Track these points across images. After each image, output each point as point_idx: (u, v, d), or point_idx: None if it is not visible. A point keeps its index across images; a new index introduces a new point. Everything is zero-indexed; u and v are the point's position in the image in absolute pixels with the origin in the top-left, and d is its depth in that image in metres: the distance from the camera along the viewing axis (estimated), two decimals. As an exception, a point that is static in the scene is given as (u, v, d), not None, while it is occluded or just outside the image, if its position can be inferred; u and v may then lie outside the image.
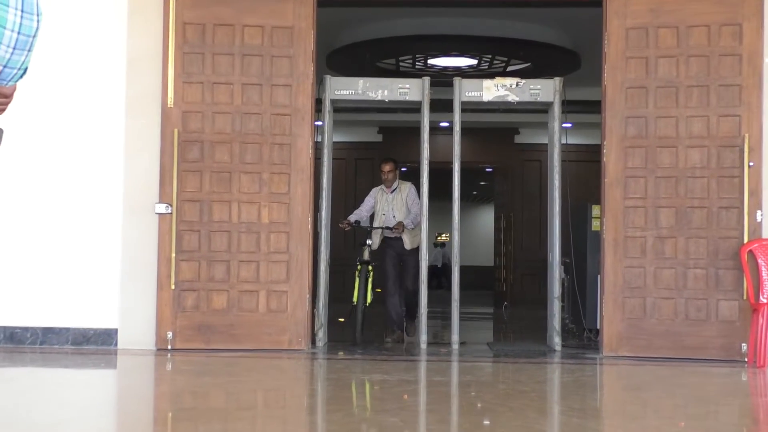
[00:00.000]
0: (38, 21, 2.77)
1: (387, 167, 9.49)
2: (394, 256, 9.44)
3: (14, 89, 2.87)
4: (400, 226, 9.28)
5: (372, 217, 9.66)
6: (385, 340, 9.24)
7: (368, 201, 9.73)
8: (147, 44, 8.18)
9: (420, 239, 9.16)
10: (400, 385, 6.39)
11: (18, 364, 7.42)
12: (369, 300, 9.28)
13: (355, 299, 9.14)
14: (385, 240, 9.46)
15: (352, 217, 9.59)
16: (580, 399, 6.25)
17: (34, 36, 2.77)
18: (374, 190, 9.79)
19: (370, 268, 9.37)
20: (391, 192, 9.51)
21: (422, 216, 8.97)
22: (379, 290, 9.59)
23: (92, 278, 8.17)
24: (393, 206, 9.47)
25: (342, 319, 9.78)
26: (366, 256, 9.36)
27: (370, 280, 9.35)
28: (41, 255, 8.18)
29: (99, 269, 8.17)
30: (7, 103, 2.88)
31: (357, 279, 9.27)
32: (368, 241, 9.37)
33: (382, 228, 9.44)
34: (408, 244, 9.36)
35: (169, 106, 8.13)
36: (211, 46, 8.20)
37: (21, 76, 2.85)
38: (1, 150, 3.06)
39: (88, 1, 8.28)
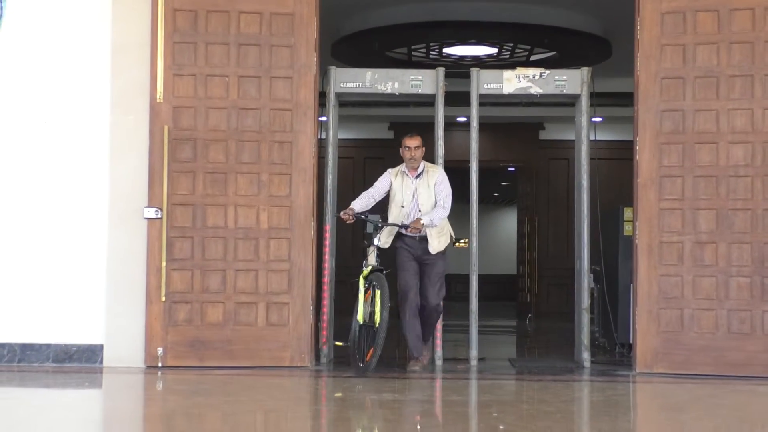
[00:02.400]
0: (1, 8, 2.80)
1: (413, 142, 8.28)
2: (414, 261, 8.24)
3: None
4: (418, 224, 8.05)
5: (378, 207, 8.49)
6: (410, 369, 8.07)
7: (381, 184, 8.42)
8: (134, 31, 8.21)
9: (449, 239, 8.39)
10: (413, 406, 6.40)
11: (-6, 384, 7.46)
12: (378, 319, 7.79)
13: (360, 318, 7.88)
14: (400, 237, 8.27)
15: (357, 204, 8.25)
16: (610, 420, 6.25)
17: None
18: (390, 171, 8.49)
19: (379, 275, 8.02)
20: (416, 177, 8.32)
21: (449, 210, 8.24)
22: (390, 305, 8.13)
23: (75, 290, 8.19)
24: (417, 196, 8.26)
25: (340, 343, 8.67)
26: (373, 260, 8.10)
27: (379, 292, 7.87)
28: (19, 264, 8.21)
29: (83, 280, 8.19)
30: None
31: (361, 291, 7.98)
32: (375, 241, 8.12)
33: (397, 225, 8.21)
34: (434, 247, 8.22)
35: (158, 100, 8.15)
36: (204, 34, 8.23)
37: None
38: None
39: (70, -14, 8.32)
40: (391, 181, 8.35)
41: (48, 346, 8.16)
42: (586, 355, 8.63)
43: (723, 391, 7.36)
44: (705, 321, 8.02)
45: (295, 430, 5.75)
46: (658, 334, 8.06)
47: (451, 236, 8.41)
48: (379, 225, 8.14)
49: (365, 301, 7.92)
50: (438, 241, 8.23)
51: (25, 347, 8.15)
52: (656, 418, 6.62)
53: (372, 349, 7.69)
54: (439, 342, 8.56)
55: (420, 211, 8.18)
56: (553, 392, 7.38)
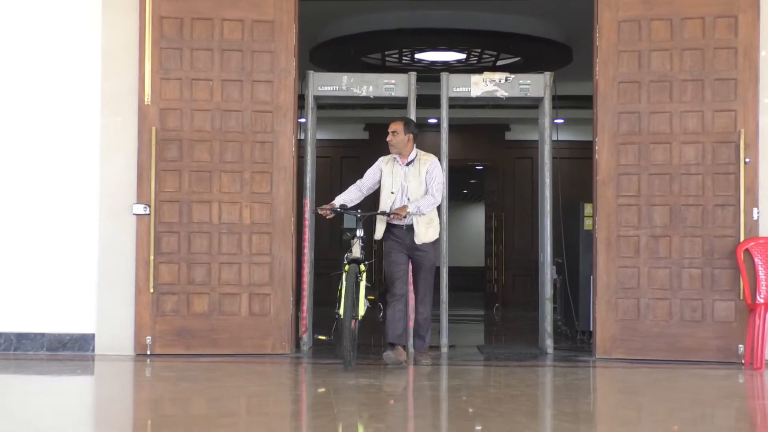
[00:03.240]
0: None
1: (391, 126, 7.66)
2: (402, 252, 7.61)
3: None
4: (403, 210, 7.43)
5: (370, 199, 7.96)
6: (385, 357, 7.52)
7: (372, 173, 7.77)
8: (123, 37, 8.18)
9: (438, 230, 7.76)
10: (387, 390, 6.41)
11: (-9, 372, 7.42)
12: (361, 312, 7.31)
13: (341, 311, 7.23)
14: (389, 229, 7.62)
15: (342, 198, 7.70)
16: (572, 403, 6.29)
17: None
18: (382, 159, 7.83)
19: (362, 268, 7.38)
20: (407, 164, 7.67)
21: (439, 199, 7.68)
22: (372, 297, 7.79)
23: (68, 282, 8.16)
24: (407, 184, 7.61)
25: (323, 337, 8.10)
26: (356, 252, 7.40)
27: (362, 284, 7.34)
28: (14, 258, 8.17)
29: (75, 272, 8.16)
30: None
31: (343, 283, 7.31)
32: (358, 232, 7.47)
33: (377, 213, 7.60)
34: (421, 237, 7.53)
35: (146, 103, 8.13)
36: (189, 40, 8.21)
37: None
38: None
39: (62, -5, 8.29)
40: (381, 169, 7.72)
41: (42, 335, 8.13)
42: (549, 342, 8.67)
43: (677, 375, 7.41)
44: (660, 309, 8.07)
45: (276, 414, 5.76)
46: (616, 322, 8.11)
47: (438, 231, 7.79)
48: (358, 215, 7.54)
49: (347, 294, 7.23)
50: (426, 231, 7.55)
51: (21, 336, 8.12)
52: (615, 401, 6.67)
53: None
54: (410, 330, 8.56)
55: (408, 199, 7.55)
56: (518, 377, 7.42)
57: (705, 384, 7.08)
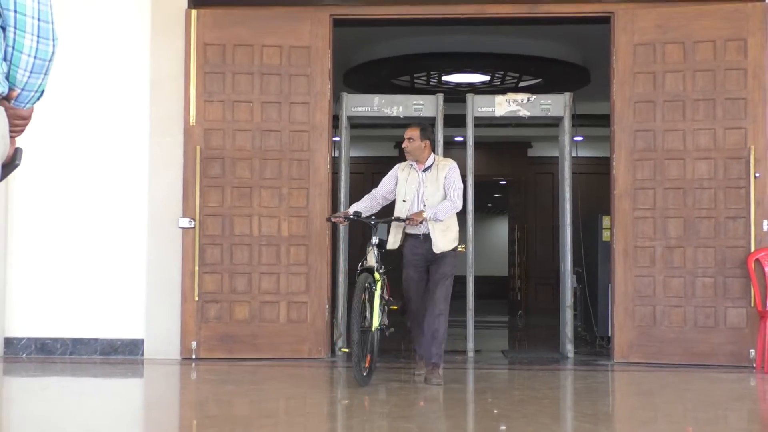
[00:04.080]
0: (54, 46, 2.86)
1: (407, 133, 6.82)
2: (420, 262, 6.76)
3: (32, 111, 2.96)
4: (419, 216, 6.58)
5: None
6: (415, 374, 6.89)
7: (387, 181, 6.96)
8: (170, 65, 8.26)
9: (457, 237, 6.81)
10: (417, 392, 6.41)
11: (49, 374, 7.50)
12: (376, 324, 6.52)
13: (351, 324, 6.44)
14: (406, 238, 6.80)
15: (357, 206, 6.92)
16: (591, 405, 6.27)
17: (50, 60, 2.86)
18: (398, 166, 7.02)
19: (377, 277, 6.58)
20: (424, 170, 6.83)
21: (459, 204, 6.73)
22: (395, 308, 7.07)
23: (119, 290, 8.24)
24: (424, 190, 6.76)
25: (346, 350, 7.23)
26: (371, 260, 6.63)
27: (377, 295, 6.55)
28: (71, 269, 8.26)
29: (126, 282, 8.24)
30: (25, 125, 2.97)
31: (357, 294, 6.40)
32: (373, 240, 6.70)
33: (392, 220, 6.79)
34: (439, 245, 6.66)
35: (191, 124, 8.20)
36: (231, 65, 8.28)
37: (38, 99, 2.94)
38: (23, 167, 3.12)
39: (114, 25, 8.37)
40: (397, 176, 6.92)
41: (96, 340, 8.21)
42: (570, 347, 8.64)
43: (691, 378, 7.37)
44: (675, 316, 8.03)
45: (313, 414, 5.78)
46: (633, 328, 8.08)
47: (457, 239, 6.85)
48: (372, 222, 6.79)
49: (356, 306, 6.37)
50: (443, 239, 6.68)
51: (76, 342, 8.20)
52: (632, 402, 6.64)
53: (369, 357, 6.55)
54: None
55: (425, 206, 6.71)
56: (541, 380, 7.40)
57: (718, 387, 7.04)
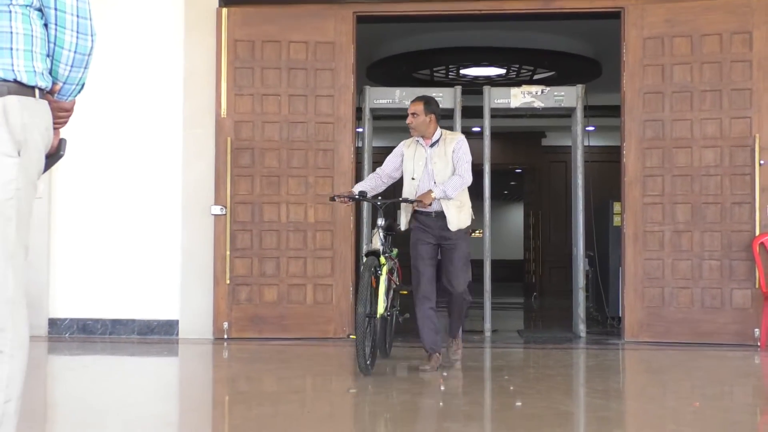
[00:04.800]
0: (92, 41, 2.88)
1: (410, 107, 6.22)
2: (431, 242, 6.14)
3: (74, 104, 2.98)
4: (427, 197, 5.93)
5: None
6: (420, 368, 6.19)
7: (392, 159, 6.30)
8: (202, 61, 8.29)
9: (470, 215, 6.24)
10: (436, 370, 6.42)
11: (90, 353, 7.56)
12: (381, 310, 5.92)
13: (361, 308, 5.77)
14: (415, 216, 6.16)
15: (362, 185, 6.30)
16: (603, 381, 6.26)
17: (89, 54, 2.89)
18: (404, 142, 6.37)
19: (383, 260, 6.00)
20: (431, 145, 6.20)
21: (469, 179, 6.13)
22: (405, 292, 6.64)
23: (155, 274, 8.29)
24: (432, 166, 6.13)
25: (354, 336, 7.15)
26: (376, 243, 6.10)
27: (383, 279, 5.93)
28: (110, 254, 8.32)
29: (161, 266, 8.29)
30: (68, 117, 2.99)
31: (363, 280, 5.87)
32: (379, 221, 6.12)
33: (400, 201, 6.16)
34: (453, 222, 6.07)
35: (222, 116, 8.23)
36: (260, 60, 8.29)
37: (79, 91, 2.96)
38: (66, 158, 3.15)
39: (149, 23, 8.40)
40: (402, 153, 6.28)
41: (133, 321, 8.26)
42: (582, 327, 8.63)
43: (698, 356, 7.35)
44: (682, 297, 8.00)
45: (338, 390, 5.80)
46: (643, 309, 8.06)
47: (471, 216, 6.30)
48: (378, 203, 6.21)
49: (363, 290, 5.82)
50: (458, 216, 6.09)
51: (115, 322, 8.26)
52: (642, 379, 6.63)
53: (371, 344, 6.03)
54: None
55: (435, 183, 6.08)
56: (554, 358, 7.40)
57: (724, 365, 7.01)
